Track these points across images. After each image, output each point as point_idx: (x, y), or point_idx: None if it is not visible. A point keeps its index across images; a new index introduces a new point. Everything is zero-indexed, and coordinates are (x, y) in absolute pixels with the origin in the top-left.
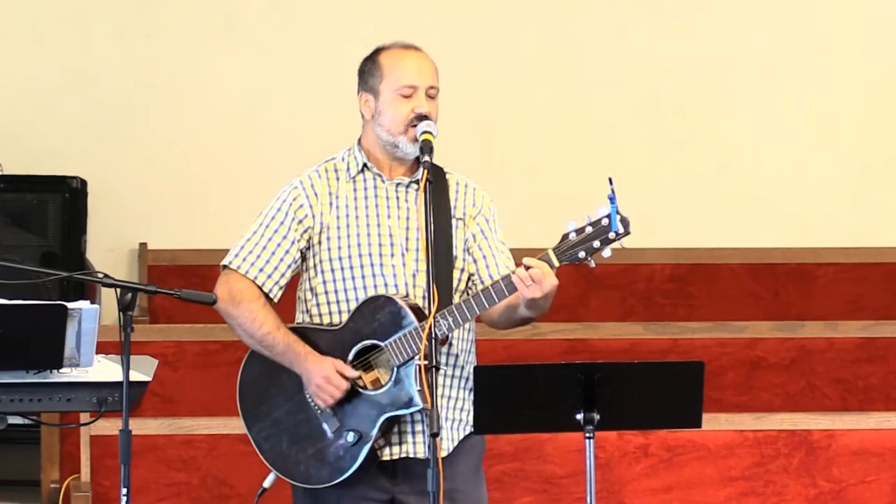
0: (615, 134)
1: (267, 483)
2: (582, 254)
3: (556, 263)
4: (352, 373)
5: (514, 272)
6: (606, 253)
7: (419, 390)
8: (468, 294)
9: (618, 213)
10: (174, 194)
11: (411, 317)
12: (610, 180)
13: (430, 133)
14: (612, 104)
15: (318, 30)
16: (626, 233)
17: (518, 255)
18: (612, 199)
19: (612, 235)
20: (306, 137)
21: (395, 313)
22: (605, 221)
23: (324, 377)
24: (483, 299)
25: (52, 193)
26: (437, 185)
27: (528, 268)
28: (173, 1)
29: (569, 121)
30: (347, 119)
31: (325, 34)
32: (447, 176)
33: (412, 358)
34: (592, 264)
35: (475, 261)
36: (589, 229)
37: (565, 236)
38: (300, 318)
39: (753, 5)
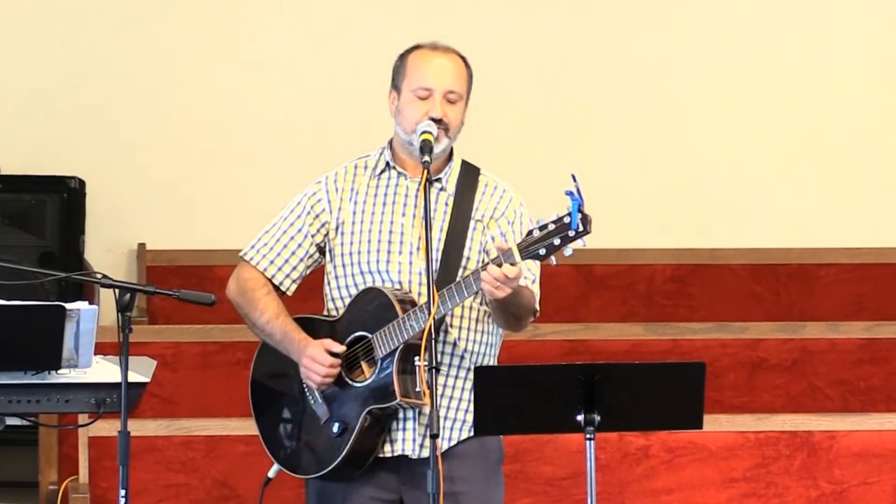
0: (615, 134)
1: (271, 473)
2: (542, 251)
3: (519, 259)
4: (339, 348)
5: (482, 269)
6: (567, 251)
7: (418, 390)
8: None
9: (580, 210)
10: (173, 195)
11: (396, 309)
12: (573, 177)
13: (429, 133)
14: (613, 104)
15: (321, 31)
16: (586, 231)
17: None
18: (571, 195)
19: (571, 233)
20: (307, 139)
21: (383, 305)
22: (566, 219)
23: (308, 356)
24: (455, 293)
25: (50, 194)
26: (464, 186)
27: (486, 266)
28: (174, 0)
29: (569, 120)
30: (349, 121)
31: (329, 36)
32: (479, 177)
33: (395, 350)
34: (553, 262)
35: None
36: (551, 227)
37: (530, 232)
38: (325, 311)
39: (751, 7)
